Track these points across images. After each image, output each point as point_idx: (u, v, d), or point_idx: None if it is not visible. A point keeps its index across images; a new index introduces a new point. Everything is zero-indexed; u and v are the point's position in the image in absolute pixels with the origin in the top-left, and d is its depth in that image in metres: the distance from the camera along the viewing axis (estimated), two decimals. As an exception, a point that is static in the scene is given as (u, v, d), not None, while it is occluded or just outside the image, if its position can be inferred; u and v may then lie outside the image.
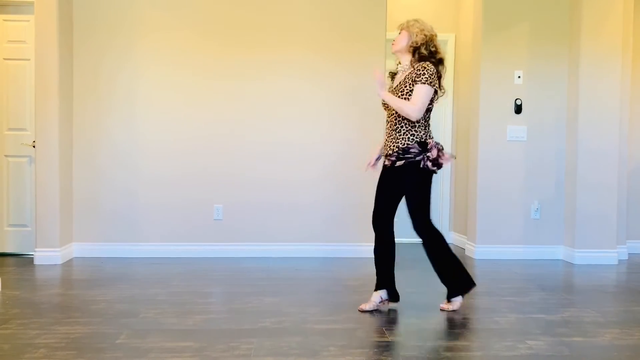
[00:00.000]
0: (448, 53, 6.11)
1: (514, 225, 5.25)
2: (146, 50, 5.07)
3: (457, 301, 3.49)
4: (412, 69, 3.36)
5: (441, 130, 6.12)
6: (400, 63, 3.50)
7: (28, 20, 4.93)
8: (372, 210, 3.54)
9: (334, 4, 5.17)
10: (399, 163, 3.36)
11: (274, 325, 3.13)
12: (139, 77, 5.08)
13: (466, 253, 5.46)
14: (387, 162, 3.46)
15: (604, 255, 5.06)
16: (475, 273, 4.69)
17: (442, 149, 3.39)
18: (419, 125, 3.36)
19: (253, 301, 3.61)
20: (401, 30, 3.45)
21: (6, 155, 5.03)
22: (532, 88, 5.21)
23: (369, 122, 5.12)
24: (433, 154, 3.32)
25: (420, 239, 3.44)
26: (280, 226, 5.18)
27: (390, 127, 3.43)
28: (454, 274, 3.48)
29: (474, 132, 5.34)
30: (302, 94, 5.17)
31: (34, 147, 4.85)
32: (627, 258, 5.31)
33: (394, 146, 3.38)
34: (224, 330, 3.04)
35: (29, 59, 4.96)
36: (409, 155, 3.33)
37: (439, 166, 3.35)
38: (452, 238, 6.15)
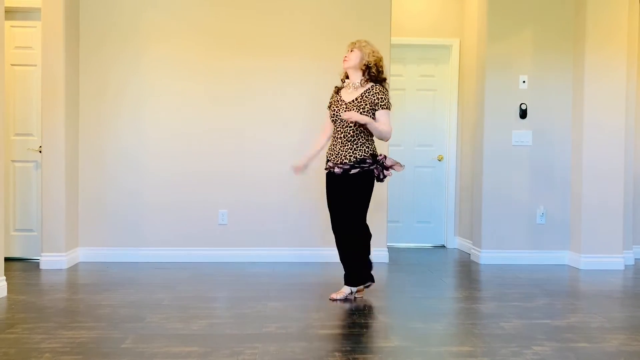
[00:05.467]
0: (452, 58, 6.11)
1: (519, 230, 5.24)
2: (152, 56, 5.09)
3: (345, 291, 3.81)
4: (368, 89, 3.73)
5: (446, 135, 6.12)
6: (347, 78, 3.84)
7: (35, 27, 4.95)
8: (330, 219, 3.85)
9: (339, 10, 5.18)
10: (353, 171, 3.69)
11: (278, 330, 3.13)
12: (144, 82, 5.10)
13: (472, 258, 5.44)
14: (337, 170, 3.74)
15: (610, 260, 5.04)
16: (481, 278, 4.69)
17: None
18: (372, 140, 3.77)
19: (257, 306, 3.61)
20: (353, 48, 3.80)
21: (13, 161, 5.05)
22: (537, 93, 5.20)
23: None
24: (388, 162, 3.73)
25: (347, 234, 3.75)
26: (285, 231, 5.18)
27: (346, 138, 3.72)
28: (360, 267, 3.81)
29: (479, 136, 5.33)
30: (307, 100, 5.18)
31: (40, 152, 4.87)
32: (633, 263, 5.28)
33: (351, 157, 3.69)
34: (228, 335, 3.04)
35: (35, 65, 4.99)
36: (364, 165, 3.69)
37: (387, 175, 3.76)
38: (457, 243, 6.14)
